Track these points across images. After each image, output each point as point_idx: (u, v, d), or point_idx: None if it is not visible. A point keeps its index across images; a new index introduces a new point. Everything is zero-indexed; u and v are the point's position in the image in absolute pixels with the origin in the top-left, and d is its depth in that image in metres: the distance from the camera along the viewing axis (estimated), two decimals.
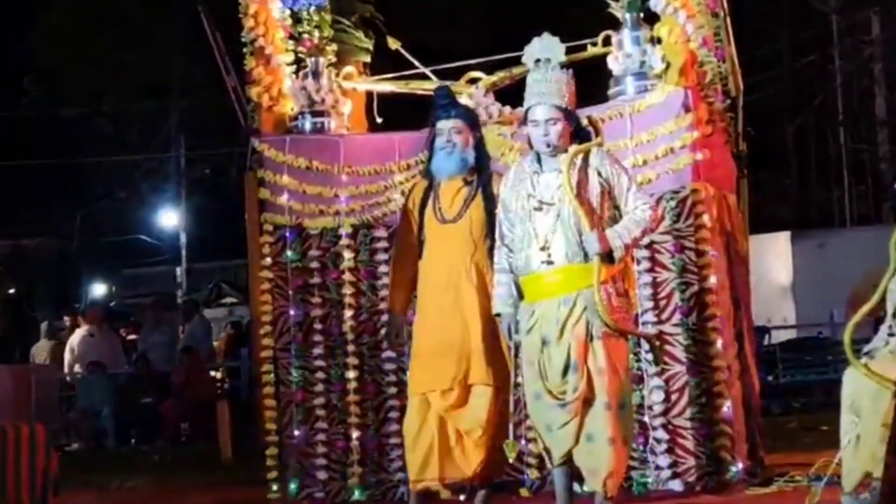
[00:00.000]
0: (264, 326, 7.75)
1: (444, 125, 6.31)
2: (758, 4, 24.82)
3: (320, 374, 7.68)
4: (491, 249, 6.20)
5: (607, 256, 5.73)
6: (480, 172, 6.37)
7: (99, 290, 31.03)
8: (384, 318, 7.26)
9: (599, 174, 5.82)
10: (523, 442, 7.00)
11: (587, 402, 5.76)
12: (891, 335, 5.68)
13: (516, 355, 5.99)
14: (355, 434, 7.53)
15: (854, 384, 5.66)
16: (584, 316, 5.75)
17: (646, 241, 6.91)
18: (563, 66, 6.00)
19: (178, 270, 29.92)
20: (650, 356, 6.96)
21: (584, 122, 6.01)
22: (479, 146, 6.41)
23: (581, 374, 5.73)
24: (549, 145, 5.85)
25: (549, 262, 5.80)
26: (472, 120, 6.48)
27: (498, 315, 6.11)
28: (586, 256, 5.73)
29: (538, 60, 6.00)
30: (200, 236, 30.51)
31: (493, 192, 6.28)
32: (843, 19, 26.80)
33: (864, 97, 27.53)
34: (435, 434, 6.21)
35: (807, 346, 16.92)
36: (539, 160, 5.92)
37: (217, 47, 8.15)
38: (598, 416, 5.74)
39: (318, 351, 7.67)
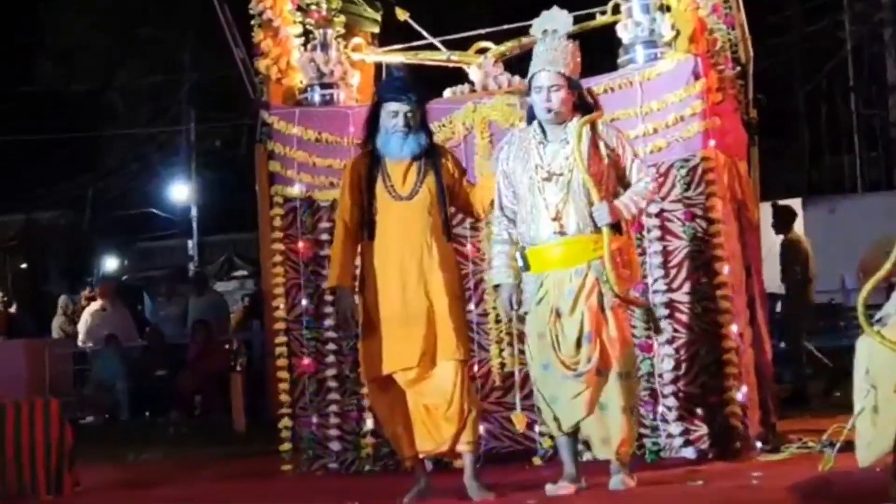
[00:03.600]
0: (276, 299, 7.77)
1: (399, 108, 6.20)
2: None
3: (332, 346, 7.71)
4: (445, 222, 6.24)
5: (616, 226, 5.77)
6: (429, 148, 6.34)
7: (111, 263, 31.07)
8: None
9: (607, 145, 5.86)
10: (535, 411, 7.02)
11: (600, 372, 5.80)
12: None
13: (520, 322, 6.00)
14: (368, 404, 7.55)
15: (868, 351, 5.64)
16: (596, 286, 5.78)
17: (654, 209, 6.95)
18: (571, 36, 6.00)
19: (190, 244, 29.95)
20: (662, 324, 6.97)
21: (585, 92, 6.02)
22: (425, 122, 6.37)
23: (595, 344, 5.77)
24: (549, 111, 5.86)
25: (562, 233, 5.82)
26: (424, 100, 6.42)
27: (497, 286, 6.13)
28: (596, 227, 5.76)
29: (545, 31, 6.02)
30: (211, 209, 30.52)
31: (443, 164, 6.29)
32: None
33: (874, 62, 27.40)
34: (408, 409, 6.23)
35: (818, 312, 16.91)
36: (543, 130, 5.93)
37: (225, 20, 8.15)
38: (612, 386, 5.81)
39: (329, 322, 7.68)
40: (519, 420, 6.19)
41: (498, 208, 6.09)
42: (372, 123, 6.31)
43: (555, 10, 6.14)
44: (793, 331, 11.54)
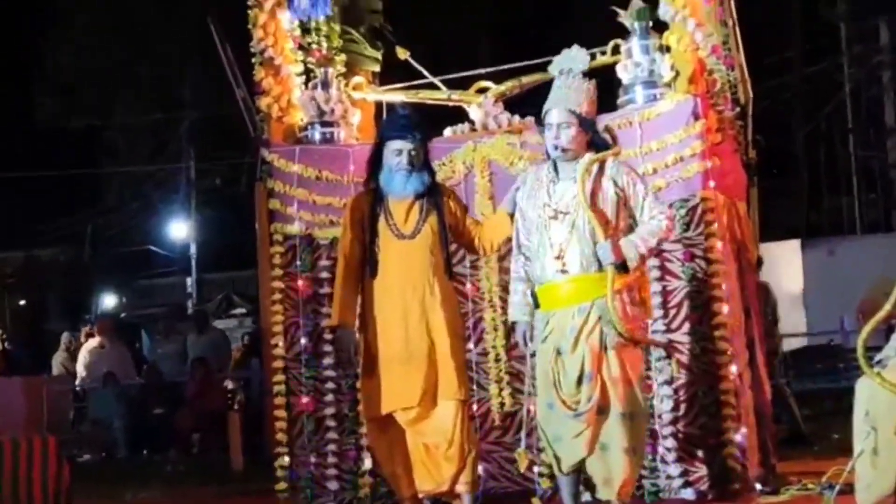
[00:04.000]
0: (275, 337, 7.76)
1: (403, 146, 6.23)
2: (766, 13, 24.82)
3: (330, 384, 7.68)
4: (447, 261, 6.26)
5: (622, 266, 5.75)
6: (431, 187, 6.35)
7: (110, 301, 31.06)
8: None
9: (615, 183, 5.85)
10: (535, 451, 7.00)
11: (601, 411, 5.78)
12: None
13: (532, 364, 6.01)
14: (366, 443, 7.51)
15: (868, 393, 5.64)
16: (598, 325, 5.77)
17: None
18: (587, 76, 6.02)
19: (189, 281, 29.94)
20: (659, 364, 6.97)
21: (602, 130, 6.03)
22: (428, 161, 6.39)
23: (595, 383, 5.75)
24: (557, 148, 5.87)
25: (564, 272, 5.82)
26: (427, 139, 6.45)
27: (514, 323, 6.13)
28: (601, 266, 5.75)
29: (561, 71, 6.04)
30: (211, 247, 30.55)
31: (445, 203, 6.30)
32: (852, 27, 26.79)
33: (872, 104, 27.51)
34: (407, 448, 6.21)
35: (817, 353, 16.90)
36: (556, 168, 5.93)
37: (226, 58, 8.17)
38: (613, 426, 5.78)
39: (328, 361, 7.67)
40: (522, 458, 6.18)
41: (515, 246, 6.10)
42: (375, 161, 6.33)
43: (574, 48, 6.16)
44: (772, 372, 11.52)
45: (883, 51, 26.78)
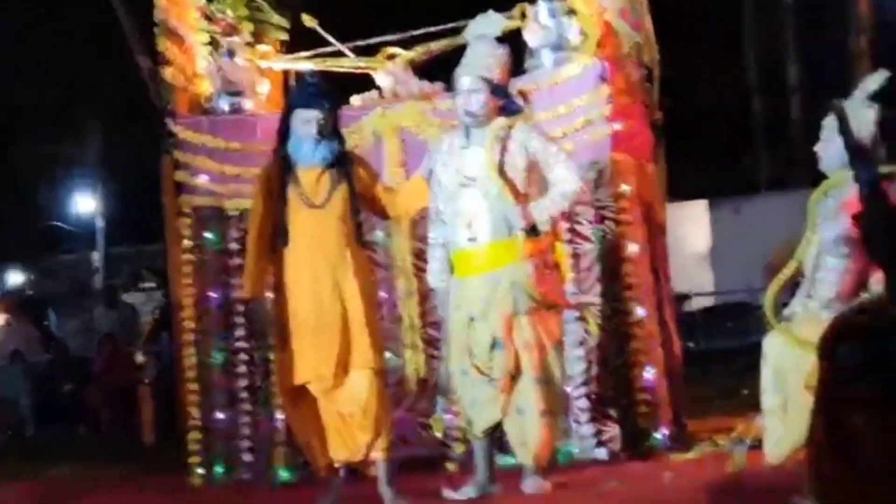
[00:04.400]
0: (185, 310, 7.69)
1: (312, 115, 6.15)
2: None
3: (243, 356, 7.64)
4: (358, 229, 6.23)
5: (532, 230, 5.75)
6: (341, 155, 6.33)
7: (16, 278, 30.56)
8: None
9: (525, 148, 5.84)
10: (448, 417, 7.02)
11: (514, 376, 5.79)
12: (809, 297, 5.75)
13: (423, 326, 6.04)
14: (279, 415, 7.48)
15: (777, 349, 5.73)
16: (510, 291, 5.77)
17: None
18: (500, 41, 6.00)
19: (96, 256, 29.54)
20: (572, 327, 7.01)
21: (516, 94, 6.02)
22: (337, 129, 6.36)
23: (508, 350, 5.76)
24: (468, 113, 5.86)
25: (474, 239, 5.82)
26: (337, 107, 6.40)
27: (433, 290, 6.14)
28: (511, 231, 5.75)
29: (475, 37, 6.02)
30: (118, 222, 30.14)
31: (355, 171, 6.27)
32: None
33: (776, 64, 27.84)
34: (321, 418, 6.20)
35: (726, 312, 17.13)
36: (468, 135, 5.92)
37: (129, 28, 8.06)
38: (527, 391, 5.79)
39: (239, 333, 7.62)
40: (437, 423, 6.18)
41: (433, 212, 6.09)
42: (284, 130, 6.27)
43: (490, 13, 6.14)
44: None
45: (785, 10, 27.09)
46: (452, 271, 5.96)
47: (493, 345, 5.78)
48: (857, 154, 3.48)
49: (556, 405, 5.92)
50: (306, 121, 6.16)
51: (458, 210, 5.85)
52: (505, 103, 5.92)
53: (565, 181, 5.84)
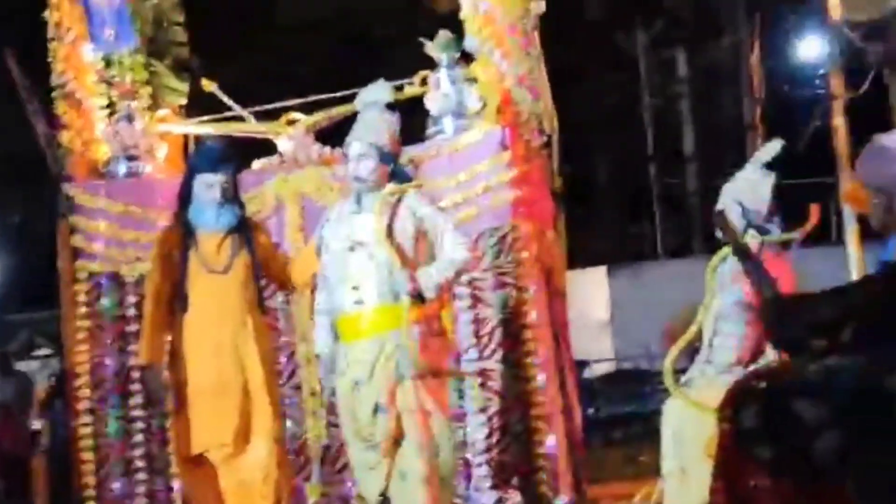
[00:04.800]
0: (80, 378, 7.56)
1: (215, 179, 6.14)
2: (568, 45, 25.35)
3: (139, 424, 7.52)
4: (259, 295, 6.22)
5: (419, 297, 5.73)
6: (242, 220, 6.30)
7: None
8: None
9: (414, 215, 5.84)
10: (349, 484, 6.96)
11: (398, 442, 5.75)
12: (708, 363, 5.81)
13: (331, 395, 5.99)
14: (177, 484, 7.35)
15: (677, 414, 5.77)
16: (393, 356, 5.73)
17: (465, 278, 6.97)
18: (391, 108, 6.02)
19: None
20: (472, 394, 7.00)
21: (407, 163, 6.04)
22: (237, 194, 6.34)
23: (390, 414, 5.71)
24: (356, 179, 5.86)
25: (360, 303, 5.79)
26: (238, 171, 6.41)
27: (317, 355, 6.09)
28: (397, 297, 5.73)
29: (365, 105, 6.04)
30: (11, 287, 29.63)
31: (256, 237, 6.26)
32: (650, 58, 27.58)
33: (672, 133, 28.33)
34: (220, 487, 6.11)
35: (625, 378, 17.26)
36: (359, 201, 5.92)
37: (25, 92, 7.95)
38: (410, 456, 5.73)
39: (136, 401, 7.50)
40: (312, 491, 6.12)
41: (321, 278, 6.05)
42: (185, 195, 6.21)
43: (380, 82, 6.17)
44: None
45: (681, 81, 27.62)
46: (338, 338, 5.92)
47: (376, 410, 5.74)
48: (748, 258, 3.56)
49: (441, 472, 5.85)
50: (209, 185, 6.12)
51: (346, 274, 5.83)
52: (395, 170, 5.93)
53: (453, 250, 5.84)
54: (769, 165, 5.90)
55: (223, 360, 6.05)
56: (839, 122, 15.36)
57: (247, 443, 6.05)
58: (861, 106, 14.49)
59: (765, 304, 3.31)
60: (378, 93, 6.11)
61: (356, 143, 5.91)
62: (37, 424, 14.44)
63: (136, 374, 7.47)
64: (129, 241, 7.63)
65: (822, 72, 15.90)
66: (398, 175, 5.94)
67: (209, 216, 6.14)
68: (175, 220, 6.28)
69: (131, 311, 7.54)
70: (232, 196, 6.21)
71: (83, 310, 7.59)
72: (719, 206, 5.95)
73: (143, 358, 6.23)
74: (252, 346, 6.10)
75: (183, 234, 6.18)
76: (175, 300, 6.14)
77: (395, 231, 5.80)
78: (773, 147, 5.96)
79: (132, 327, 7.50)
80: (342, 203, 6.10)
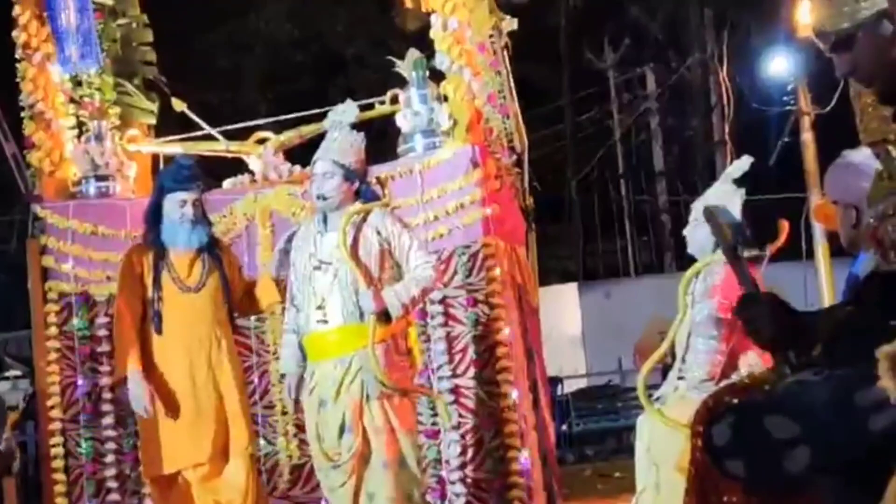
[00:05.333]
0: (51, 398, 7.52)
1: (188, 196, 6.15)
2: (539, 62, 25.45)
3: (111, 445, 7.48)
4: (231, 315, 6.23)
5: (384, 315, 5.72)
6: (213, 239, 6.30)
7: None
8: None
9: (379, 233, 5.82)
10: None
11: (365, 461, 5.73)
12: (680, 378, 5.82)
13: (295, 413, 5.99)
14: None
15: (649, 430, 5.78)
16: (359, 376, 5.71)
17: (438, 295, 6.98)
18: (354, 127, 6.03)
19: None
20: (450, 409, 6.99)
21: (374, 182, 6.04)
22: (205, 213, 6.35)
23: (356, 433, 5.70)
24: (319, 197, 5.85)
25: (325, 322, 5.78)
26: (205, 190, 6.42)
27: (283, 375, 6.09)
28: (362, 316, 5.72)
29: (332, 125, 6.04)
30: None
31: (225, 257, 6.27)
32: (620, 75, 27.70)
33: (642, 150, 28.45)
34: None
35: (597, 394, 17.30)
36: (325, 220, 5.91)
37: None
38: (377, 476, 5.71)
39: (107, 421, 7.47)
40: None
41: (288, 298, 6.04)
42: (156, 214, 6.20)
43: (347, 102, 6.19)
44: None
45: (650, 98, 27.75)
46: (306, 358, 5.91)
47: (342, 430, 5.73)
48: (736, 257, 3.57)
49: (408, 491, 5.82)
50: (182, 203, 6.11)
51: (311, 293, 5.83)
52: (361, 189, 5.92)
53: (418, 268, 5.83)
54: (739, 181, 5.92)
55: (197, 379, 6.04)
56: (808, 137, 15.47)
57: (224, 463, 6.04)
58: (830, 122, 14.58)
59: (749, 300, 3.32)
60: (343, 113, 6.11)
61: (320, 161, 5.91)
62: (7, 446, 14.34)
63: (107, 395, 7.44)
64: (100, 261, 7.60)
65: (790, 88, 16.01)
66: (365, 194, 5.94)
67: (182, 235, 6.13)
68: (145, 240, 6.27)
69: (102, 332, 7.52)
70: (201, 214, 6.21)
71: (54, 330, 7.56)
72: (691, 221, 5.99)
73: (120, 372, 6.16)
74: (227, 364, 6.10)
75: (154, 253, 6.17)
76: (146, 320, 6.11)
77: (360, 250, 5.79)
78: (743, 163, 5.99)
79: (103, 347, 7.48)
80: (308, 222, 6.10)
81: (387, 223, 5.85)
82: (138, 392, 6.08)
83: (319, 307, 5.78)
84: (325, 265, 5.80)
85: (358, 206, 5.85)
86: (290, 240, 6.15)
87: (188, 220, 6.12)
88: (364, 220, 5.83)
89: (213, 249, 6.23)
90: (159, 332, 6.09)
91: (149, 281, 6.13)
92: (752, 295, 3.31)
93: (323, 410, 5.76)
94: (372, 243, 5.80)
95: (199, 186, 6.19)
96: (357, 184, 5.90)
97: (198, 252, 6.16)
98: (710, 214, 3.71)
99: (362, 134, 6.05)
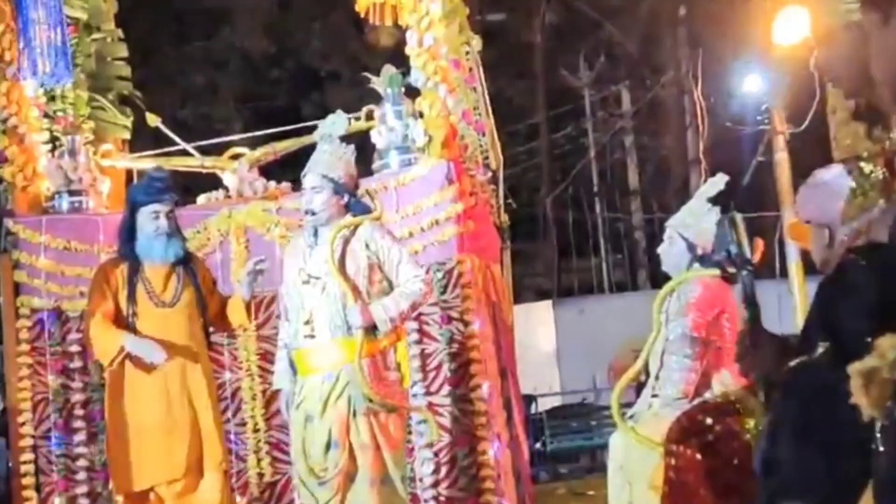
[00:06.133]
0: (23, 414, 7.47)
1: (161, 209, 6.12)
2: (514, 80, 25.52)
3: (83, 462, 7.43)
4: (206, 330, 6.21)
5: (372, 330, 5.71)
6: (187, 253, 6.28)
7: None
8: None
9: (368, 247, 5.80)
10: None
11: (350, 477, 5.71)
12: (654, 396, 5.82)
13: (268, 430, 5.97)
14: None
15: (623, 448, 5.77)
16: (346, 391, 5.69)
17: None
18: (345, 141, 6.02)
19: None
20: (421, 427, 6.98)
21: (363, 195, 6.01)
22: (179, 227, 6.32)
23: (342, 449, 5.67)
24: (308, 211, 5.84)
25: (312, 336, 5.76)
26: (178, 204, 6.41)
27: (279, 390, 6.07)
28: (350, 330, 5.70)
29: (322, 137, 6.03)
30: None
31: (200, 272, 6.25)
32: (595, 93, 27.79)
33: (616, 168, 28.53)
34: None
35: (571, 412, 17.29)
36: (315, 234, 5.89)
37: None
38: (361, 492, 5.69)
39: (79, 437, 7.42)
40: None
41: (283, 312, 6.04)
42: (130, 229, 6.16)
43: (338, 113, 6.17)
44: None
45: (625, 116, 27.85)
46: (294, 372, 5.89)
47: (329, 445, 5.71)
48: (744, 266, 3.58)
49: None
50: (155, 215, 6.09)
51: (300, 307, 5.82)
52: (352, 202, 5.90)
53: (408, 282, 5.81)
54: (713, 200, 5.94)
55: (172, 395, 6.02)
56: (782, 156, 15.53)
57: (198, 479, 6.01)
58: (803, 141, 14.65)
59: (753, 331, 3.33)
60: (333, 125, 6.10)
61: (309, 175, 5.89)
62: None
63: (79, 411, 7.39)
64: (72, 276, 7.56)
65: (764, 107, 16.07)
66: (354, 207, 5.91)
67: (157, 248, 6.11)
68: (120, 254, 6.23)
69: (74, 347, 7.47)
70: (175, 227, 6.19)
71: (25, 346, 7.52)
72: (665, 239, 6.00)
73: (118, 341, 6.01)
74: (201, 380, 6.08)
75: (129, 267, 6.13)
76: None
77: (348, 264, 5.77)
78: (717, 182, 6.00)
79: (76, 363, 7.44)
80: (299, 236, 6.09)
81: (376, 237, 5.83)
82: (145, 346, 5.99)
83: (307, 322, 5.77)
84: (314, 279, 5.79)
85: (347, 219, 5.83)
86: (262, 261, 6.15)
87: (163, 233, 6.10)
88: (353, 233, 5.82)
89: (188, 263, 6.20)
90: None
91: (123, 296, 6.10)
92: (755, 336, 3.30)
93: (309, 426, 5.74)
94: (360, 257, 5.79)
95: (172, 198, 6.16)
96: (346, 197, 5.87)
97: (173, 266, 6.14)
98: (733, 223, 3.69)
99: (352, 147, 6.04)
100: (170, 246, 6.13)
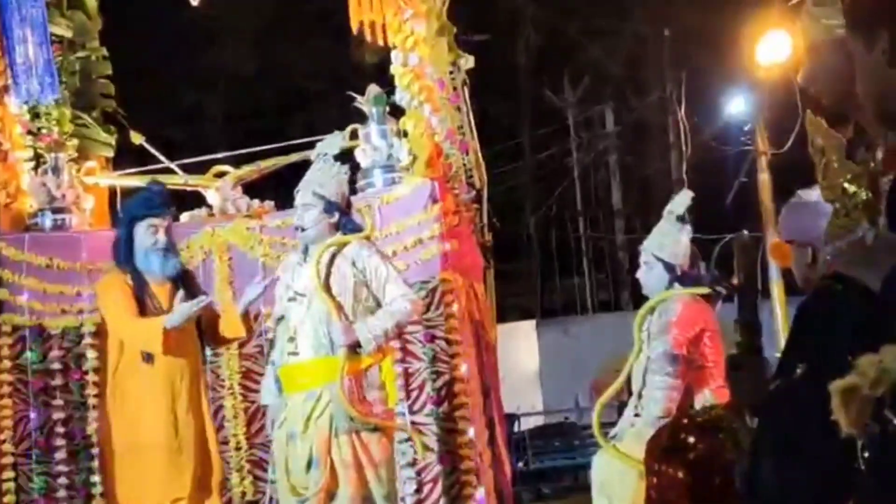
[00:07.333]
0: (3, 432, 7.44)
1: (160, 222, 6.10)
2: (498, 100, 25.58)
3: (63, 480, 7.40)
4: (202, 345, 6.25)
5: (355, 349, 5.70)
6: (184, 268, 6.29)
7: None
8: None
9: (354, 265, 5.79)
10: None
11: (332, 496, 5.69)
12: (636, 415, 5.83)
13: (249, 449, 5.98)
14: None
15: (604, 466, 5.77)
16: (328, 409, 5.68)
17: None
18: (339, 160, 6.02)
19: None
20: (402, 446, 6.97)
21: (355, 212, 6.02)
22: (174, 242, 6.32)
23: (324, 467, 5.66)
24: (297, 228, 5.85)
25: (296, 354, 5.76)
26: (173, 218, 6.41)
27: (266, 407, 6.06)
28: (334, 349, 5.70)
29: (317, 155, 6.04)
30: None
31: (194, 288, 6.24)
32: (579, 113, 27.87)
33: (600, 188, 28.58)
34: None
35: (554, 431, 17.30)
36: (305, 251, 5.89)
37: None
38: None
39: (60, 456, 7.39)
40: None
41: (274, 329, 6.03)
42: (128, 243, 6.12)
43: (335, 134, 6.19)
44: None
45: (609, 136, 27.93)
46: (280, 389, 5.89)
47: (310, 463, 5.69)
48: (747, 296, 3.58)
49: None
50: (154, 229, 6.05)
51: (286, 325, 5.82)
52: (342, 221, 5.89)
53: (394, 301, 5.81)
54: (683, 217, 5.95)
55: (179, 413, 5.99)
56: (764, 177, 15.60)
57: (206, 496, 5.99)
58: (786, 162, 14.71)
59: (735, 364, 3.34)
60: (327, 144, 6.10)
61: (301, 192, 5.90)
62: None
63: (60, 429, 7.37)
64: (54, 293, 7.54)
65: (747, 128, 16.14)
66: (346, 226, 5.91)
67: (155, 263, 6.09)
68: (122, 269, 6.14)
69: (56, 365, 7.45)
70: (172, 243, 6.18)
71: (7, 363, 7.49)
72: (643, 264, 6.00)
73: (161, 324, 5.93)
74: (204, 399, 6.08)
75: (136, 283, 6.07)
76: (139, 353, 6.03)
77: (334, 282, 5.77)
78: (684, 199, 6.01)
79: (56, 381, 7.41)
80: (292, 253, 6.10)
81: (363, 254, 5.82)
82: (184, 309, 5.93)
83: (291, 339, 5.76)
84: (300, 297, 5.79)
85: (336, 237, 5.83)
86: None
87: (161, 248, 6.08)
88: (341, 251, 5.81)
89: (184, 279, 6.19)
90: (151, 363, 6.00)
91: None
92: (742, 359, 3.31)
93: (292, 443, 5.73)
94: (347, 275, 5.77)
95: (170, 213, 6.16)
96: (337, 216, 5.86)
97: (171, 281, 6.12)
98: (746, 247, 3.69)
99: (346, 166, 6.04)
100: (167, 261, 6.11)
